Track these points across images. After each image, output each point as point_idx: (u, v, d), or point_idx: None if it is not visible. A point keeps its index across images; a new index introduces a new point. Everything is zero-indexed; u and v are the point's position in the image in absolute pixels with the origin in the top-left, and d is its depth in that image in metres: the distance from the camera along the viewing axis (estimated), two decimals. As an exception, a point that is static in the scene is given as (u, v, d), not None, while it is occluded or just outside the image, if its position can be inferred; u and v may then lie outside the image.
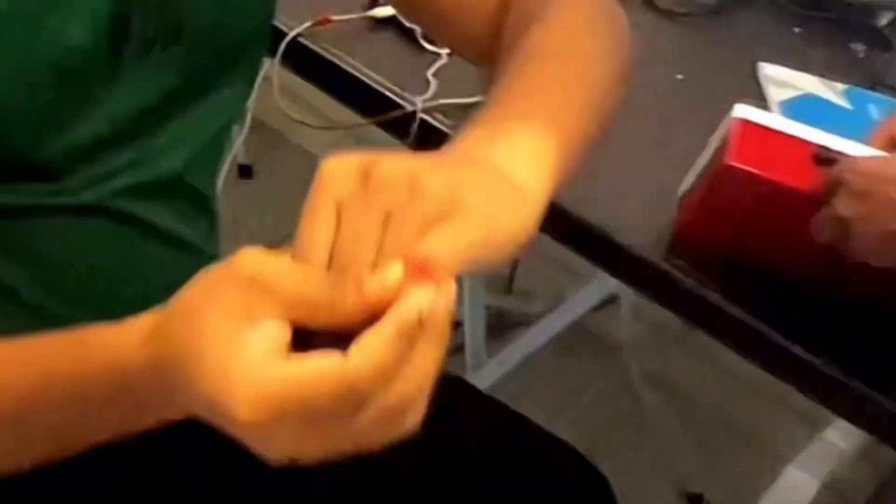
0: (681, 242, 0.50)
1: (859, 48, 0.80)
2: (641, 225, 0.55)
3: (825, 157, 0.46)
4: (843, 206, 0.47)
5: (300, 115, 0.74)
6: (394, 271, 0.27)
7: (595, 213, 0.55)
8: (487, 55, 0.50)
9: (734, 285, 0.50)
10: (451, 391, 0.58)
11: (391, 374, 0.25)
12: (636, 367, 1.37)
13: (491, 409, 0.69)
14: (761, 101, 0.71)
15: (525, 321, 1.36)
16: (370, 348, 0.25)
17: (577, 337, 1.44)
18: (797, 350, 0.50)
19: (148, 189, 0.47)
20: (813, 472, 1.20)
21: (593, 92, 0.42)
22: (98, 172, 0.43)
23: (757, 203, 0.44)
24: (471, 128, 0.38)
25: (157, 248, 0.50)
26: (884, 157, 0.51)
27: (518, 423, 0.68)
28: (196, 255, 0.53)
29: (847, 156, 0.47)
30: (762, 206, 0.45)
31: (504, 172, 0.33)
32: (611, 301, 1.46)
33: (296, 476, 0.49)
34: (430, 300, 0.26)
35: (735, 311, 0.50)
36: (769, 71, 0.74)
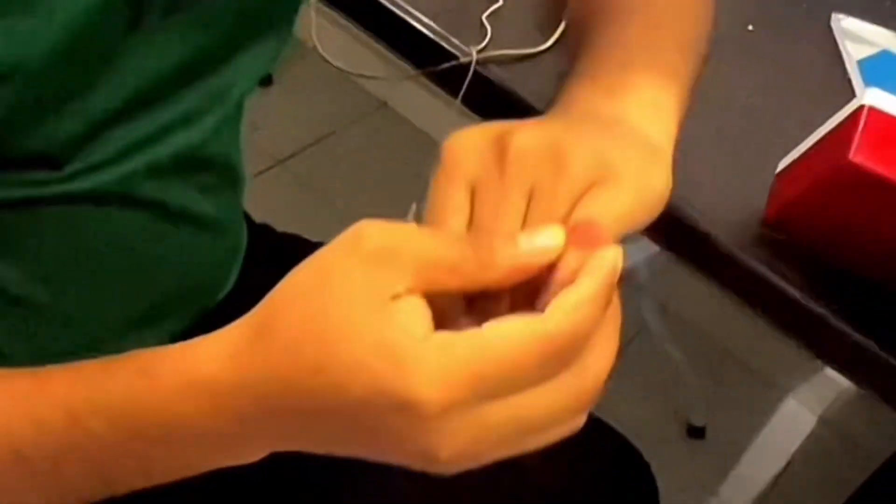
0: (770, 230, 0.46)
1: None
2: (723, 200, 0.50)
3: None
4: None
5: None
6: (554, 233, 0.25)
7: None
8: None
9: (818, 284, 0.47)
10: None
11: (589, 341, 0.24)
12: (646, 296, 1.36)
13: None
14: (837, 58, 0.66)
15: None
16: (572, 307, 0.22)
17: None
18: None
19: (167, 167, 0.42)
20: (811, 406, 1.24)
21: (696, 36, 0.42)
22: (108, 154, 0.38)
23: (875, 207, 0.40)
24: (581, 79, 0.37)
25: (173, 231, 0.45)
26: None
27: None
28: (219, 233, 0.49)
29: None
30: (882, 211, 0.40)
31: (638, 129, 0.33)
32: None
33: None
34: (621, 260, 0.24)
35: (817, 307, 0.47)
36: (845, 24, 0.67)
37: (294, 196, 1.40)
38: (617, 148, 0.30)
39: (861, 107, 0.40)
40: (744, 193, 0.50)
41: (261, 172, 1.37)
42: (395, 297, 0.23)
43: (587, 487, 0.57)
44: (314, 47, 0.66)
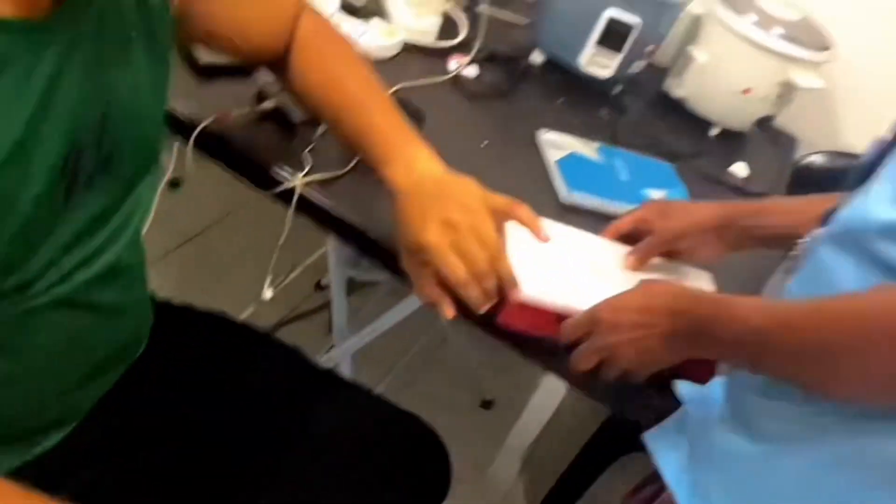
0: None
1: (604, 113, 1.09)
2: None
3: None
4: (601, 338, 0.66)
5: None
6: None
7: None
8: (279, 59, 0.76)
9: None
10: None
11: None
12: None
13: (351, 391, 0.86)
14: (541, 160, 0.96)
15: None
16: None
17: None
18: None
19: (99, 277, 0.61)
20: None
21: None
22: (52, 279, 0.56)
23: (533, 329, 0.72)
24: (415, 154, 0.70)
25: (103, 319, 0.65)
26: (620, 294, 0.67)
27: (369, 399, 0.86)
28: (134, 314, 0.70)
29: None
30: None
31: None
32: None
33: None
34: None
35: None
36: (546, 136, 0.99)
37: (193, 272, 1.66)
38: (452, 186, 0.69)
39: (518, 299, 0.68)
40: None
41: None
42: None
43: (385, 459, 0.79)
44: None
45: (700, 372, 0.69)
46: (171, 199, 1.71)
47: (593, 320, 0.67)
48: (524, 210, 0.71)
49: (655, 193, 0.95)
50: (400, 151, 0.71)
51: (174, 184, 1.68)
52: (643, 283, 0.68)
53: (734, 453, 0.61)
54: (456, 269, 0.66)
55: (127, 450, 0.72)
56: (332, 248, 1.36)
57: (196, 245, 1.74)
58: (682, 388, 0.70)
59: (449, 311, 0.69)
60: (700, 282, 0.79)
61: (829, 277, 0.55)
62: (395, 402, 0.84)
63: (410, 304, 1.37)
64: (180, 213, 1.73)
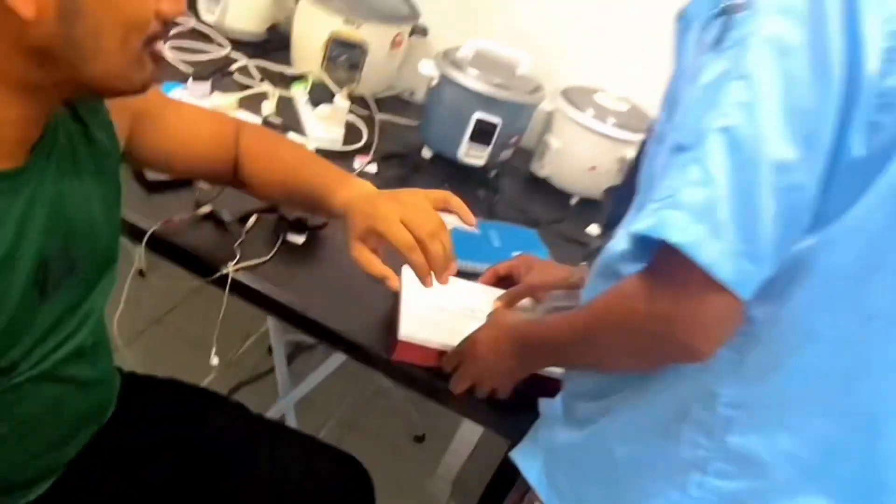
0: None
1: (481, 193, 1.34)
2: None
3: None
4: (466, 367, 0.87)
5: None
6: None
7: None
8: (227, 173, 0.92)
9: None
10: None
11: None
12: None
13: (288, 436, 1.04)
14: None
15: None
16: None
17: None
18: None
19: (77, 352, 0.76)
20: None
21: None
22: (34, 360, 0.71)
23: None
24: (352, 181, 0.86)
25: (81, 391, 0.80)
26: (476, 329, 0.88)
27: (300, 439, 1.04)
28: (103, 384, 0.87)
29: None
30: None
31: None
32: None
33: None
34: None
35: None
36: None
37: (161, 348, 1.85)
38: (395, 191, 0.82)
39: (399, 339, 0.89)
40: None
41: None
42: None
43: (316, 488, 0.96)
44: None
45: (549, 388, 0.90)
46: (140, 288, 1.91)
47: (459, 354, 0.89)
48: (455, 198, 0.86)
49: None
50: (340, 182, 0.87)
51: (142, 273, 1.89)
52: (489, 316, 0.91)
53: (569, 444, 0.82)
54: (404, 234, 0.76)
55: (101, 496, 0.88)
56: (269, 319, 1.56)
57: (162, 325, 1.94)
58: (541, 404, 0.92)
59: (393, 283, 0.79)
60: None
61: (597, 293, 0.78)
62: (332, 443, 1.04)
63: (338, 358, 1.58)
64: (148, 299, 1.93)
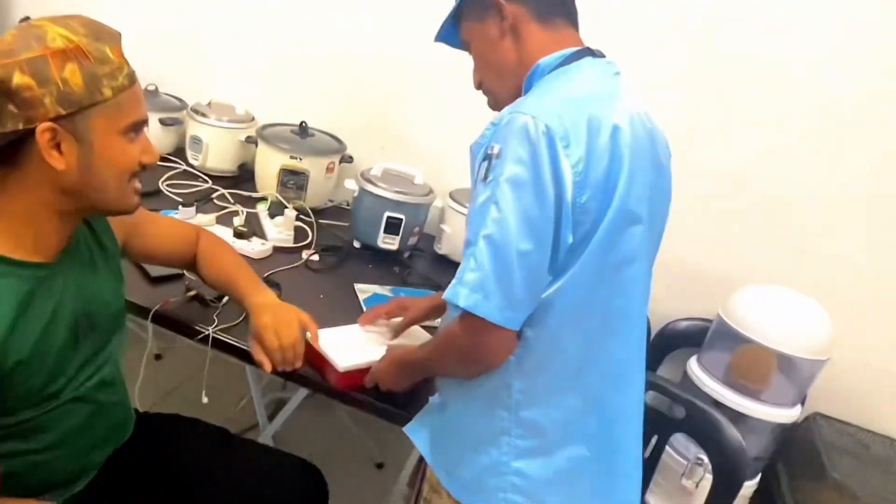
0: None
1: (396, 269, 1.77)
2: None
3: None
4: (375, 376, 1.16)
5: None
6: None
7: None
8: (191, 264, 1.28)
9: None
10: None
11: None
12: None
13: (271, 455, 1.34)
14: (356, 301, 1.64)
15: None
16: None
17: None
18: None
19: (102, 383, 1.06)
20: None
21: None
22: (79, 381, 1.00)
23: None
24: (262, 292, 1.25)
25: (107, 409, 1.09)
26: (379, 361, 1.18)
27: (269, 452, 1.35)
28: (118, 407, 1.13)
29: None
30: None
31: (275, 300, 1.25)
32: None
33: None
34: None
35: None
36: (359, 286, 1.62)
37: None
38: (282, 306, 1.24)
39: (339, 371, 1.25)
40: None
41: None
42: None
43: (276, 489, 1.25)
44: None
45: (428, 388, 1.29)
46: (156, 367, 2.43)
47: (371, 377, 1.21)
48: (311, 322, 1.25)
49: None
50: (253, 290, 1.25)
51: (158, 356, 2.38)
52: (388, 349, 1.31)
53: (439, 420, 1.13)
54: (273, 340, 1.17)
55: (125, 492, 1.18)
56: (248, 371, 1.96)
57: (172, 395, 2.25)
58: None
59: (267, 367, 1.19)
60: (419, 335, 1.41)
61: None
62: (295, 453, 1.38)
63: (303, 392, 1.94)
64: (162, 377, 2.27)
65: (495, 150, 0.91)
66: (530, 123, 0.89)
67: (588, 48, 1.07)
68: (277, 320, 1.21)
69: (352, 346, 1.31)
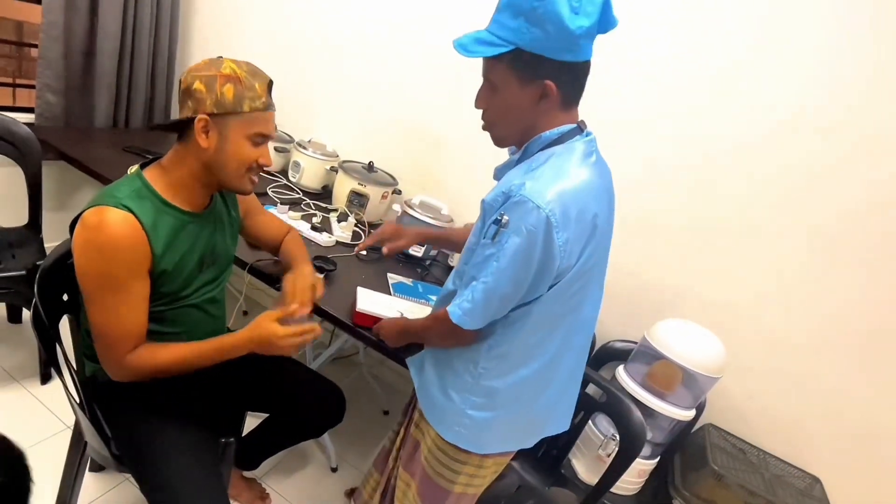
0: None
1: (419, 270, 2.29)
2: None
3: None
4: (380, 331, 1.55)
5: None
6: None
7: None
8: (277, 250, 1.76)
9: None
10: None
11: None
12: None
13: (310, 374, 1.83)
14: (386, 285, 2.19)
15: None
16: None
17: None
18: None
19: (212, 300, 1.57)
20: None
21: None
22: (198, 294, 1.49)
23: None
24: (302, 265, 1.68)
25: (212, 318, 1.63)
26: (390, 318, 1.57)
27: (312, 372, 1.82)
28: (217, 319, 1.60)
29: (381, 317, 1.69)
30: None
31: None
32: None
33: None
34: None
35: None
36: (390, 275, 2.13)
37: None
38: (309, 273, 1.70)
39: (356, 310, 1.80)
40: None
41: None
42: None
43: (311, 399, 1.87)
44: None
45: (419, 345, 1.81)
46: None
47: (377, 329, 1.60)
48: (321, 286, 1.60)
49: (433, 297, 2.15)
50: (302, 263, 1.64)
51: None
52: (398, 315, 1.82)
53: (430, 359, 1.44)
54: (290, 286, 1.49)
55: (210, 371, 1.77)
56: None
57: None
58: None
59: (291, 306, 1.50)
60: (423, 309, 1.94)
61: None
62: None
63: (333, 349, 2.47)
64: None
65: (504, 220, 1.05)
66: (536, 212, 1.04)
67: (578, 126, 1.16)
68: (297, 275, 1.57)
69: (375, 303, 1.83)
